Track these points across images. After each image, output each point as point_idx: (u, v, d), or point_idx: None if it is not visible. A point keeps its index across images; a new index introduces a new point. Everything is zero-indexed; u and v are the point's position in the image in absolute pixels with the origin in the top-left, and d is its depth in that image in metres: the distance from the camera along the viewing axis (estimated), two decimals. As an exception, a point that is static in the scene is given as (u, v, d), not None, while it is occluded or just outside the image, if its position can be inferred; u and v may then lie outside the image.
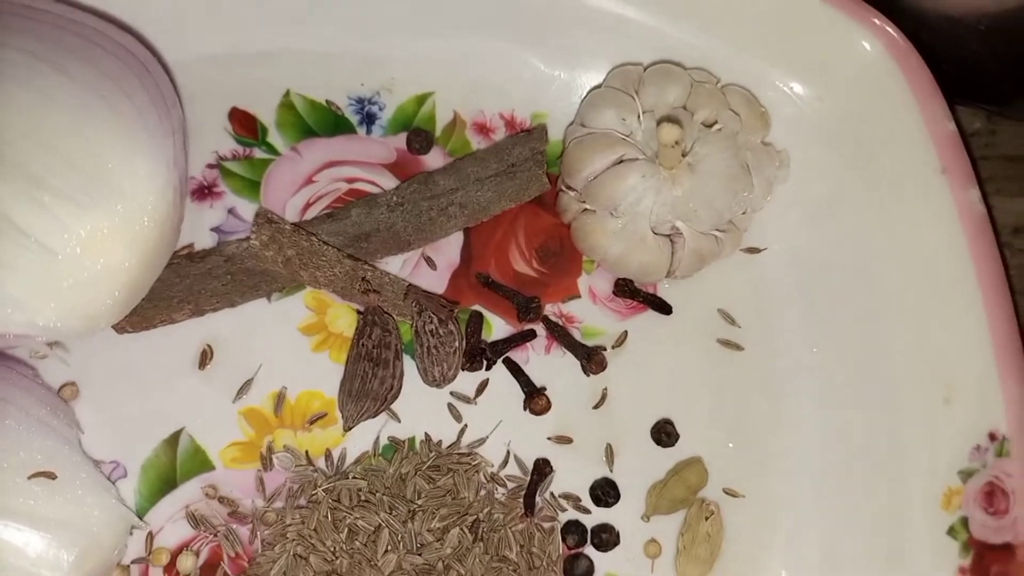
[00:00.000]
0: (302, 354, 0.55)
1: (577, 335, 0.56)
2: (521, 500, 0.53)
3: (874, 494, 0.53)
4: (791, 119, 0.57)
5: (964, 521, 0.51)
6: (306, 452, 0.54)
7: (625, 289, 0.57)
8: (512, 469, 0.54)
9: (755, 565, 0.54)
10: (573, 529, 0.53)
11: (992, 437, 0.51)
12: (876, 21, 0.54)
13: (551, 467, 0.54)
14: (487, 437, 0.54)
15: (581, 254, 0.57)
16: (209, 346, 0.54)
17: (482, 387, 0.55)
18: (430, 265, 0.57)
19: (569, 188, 0.56)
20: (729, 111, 0.55)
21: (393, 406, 0.54)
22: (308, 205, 0.57)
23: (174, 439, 0.53)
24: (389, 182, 0.57)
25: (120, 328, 0.53)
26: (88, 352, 0.54)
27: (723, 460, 0.55)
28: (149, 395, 0.54)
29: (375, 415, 0.53)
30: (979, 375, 0.51)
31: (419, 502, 0.52)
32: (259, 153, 0.57)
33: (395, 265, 0.56)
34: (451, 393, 0.55)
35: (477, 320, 0.56)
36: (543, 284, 0.57)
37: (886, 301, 0.55)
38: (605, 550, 0.53)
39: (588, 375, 0.56)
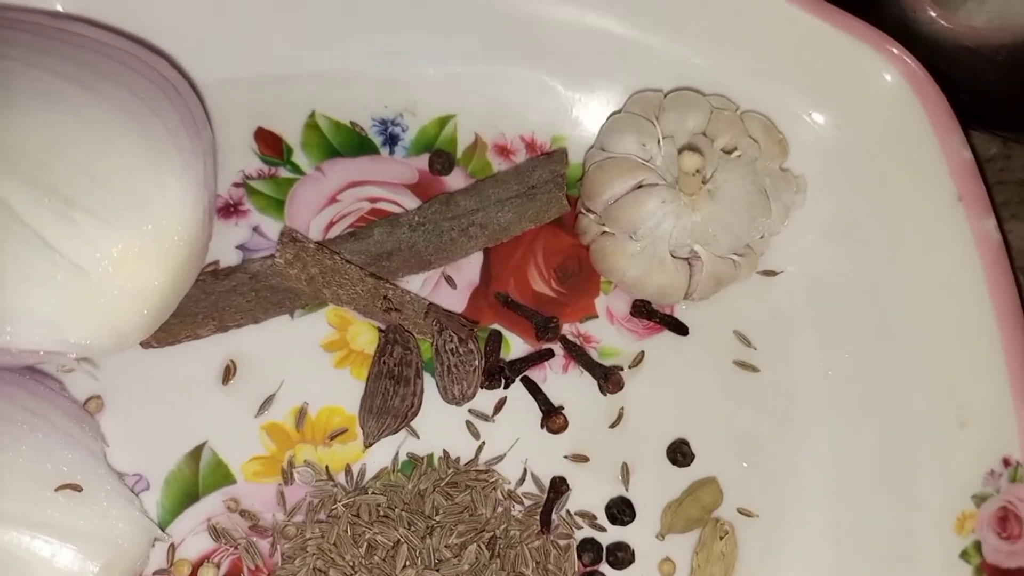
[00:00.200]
0: (324, 370, 0.55)
1: (594, 355, 0.57)
2: (538, 517, 0.53)
3: (888, 517, 0.54)
4: (809, 146, 0.58)
5: (977, 545, 0.51)
6: (326, 467, 0.54)
7: (643, 310, 0.57)
8: (529, 487, 0.55)
9: (768, 585, 0.54)
10: (589, 547, 0.54)
11: (1006, 463, 0.51)
12: (894, 51, 0.55)
13: (567, 485, 0.55)
14: (505, 454, 0.55)
15: (599, 275, 0.58)
16: (233, 361, 0.55)
17: (500, 405, 0.56)
18: (450, 284, 0.58)
19: (589, 211, 0.57)
20: (748, 138, 0.56)
21: (412, 423, 0.55)
22: (331, 224, 0.58)
23: (197, 453, 0.54)
24: (411, 202, 0.58)
25: (145, 343, 0.54)
26: (113, 366, 0.54)
27: (738, 480, 0.55)
28: (173, 409, 0.54)
29: (395, 432, 0.54)
30: (993, 400, 0.52)
31: (437, 518, 0.53)
32: (284, 172, 0.58)
33: (416, 284, 0.57)
34: (470, 411, 0.55)
35: (496, 339, 0.57)
36: (561, 304, 0.58)
37: (901, 326, 0.56)
38: (620, 568, 0.54)
39: (605, 394, 0.56)
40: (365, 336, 0.56)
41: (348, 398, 0.55)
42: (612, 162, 0.56)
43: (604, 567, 0.54)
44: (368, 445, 0.54)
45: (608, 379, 0.56)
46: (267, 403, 0.55)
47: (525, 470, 0.55)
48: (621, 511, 0.54)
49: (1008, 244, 0.55)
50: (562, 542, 0.54)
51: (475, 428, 0.55)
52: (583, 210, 0.57)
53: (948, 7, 0.56)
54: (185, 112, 0.52)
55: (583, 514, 0.55)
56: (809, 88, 0.57)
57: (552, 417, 0.55)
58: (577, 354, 0.57)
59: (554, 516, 0.54)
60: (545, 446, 0.55)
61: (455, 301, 0.57)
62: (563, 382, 0.57)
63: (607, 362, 0.57)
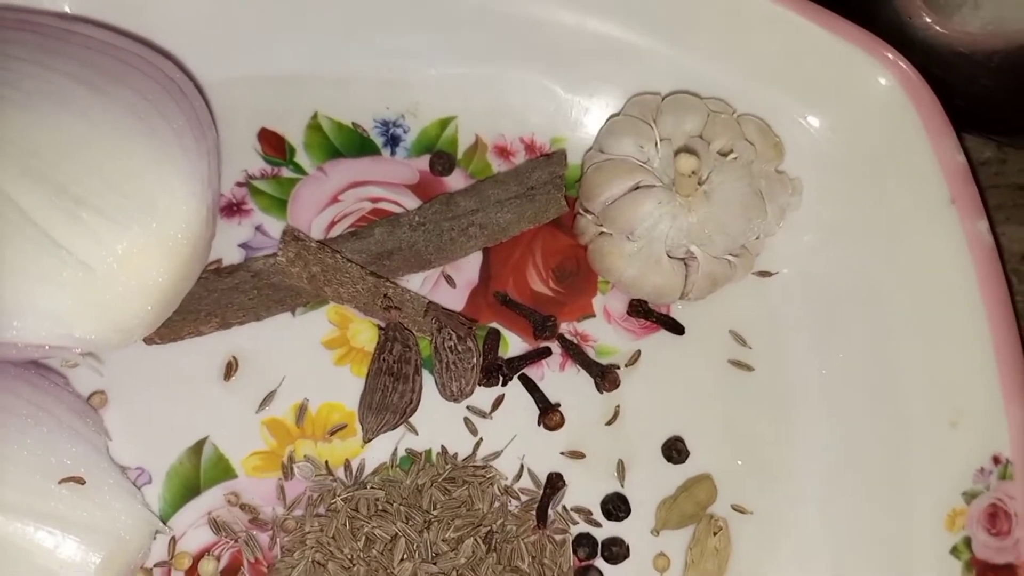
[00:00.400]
0: (324, 367, 0.56)
1: (592, 353, 0.58)
2: (534, 512, 0.54)
3: (880, 513, 0.54)
4: (804, 148, 0.59)
5: (967, 541, 0.52)
6: (326, 462, 0.55)
7: (639, 310, 0.58)
8: (526, 482, 0.55)
9: (762, 580, 0.55)
10: (584, 542, 0.54)
11: (996, 460, 0.52)
12: (889, 56, 0.56)
13: (564, 481, 0.55)
14: (502, 451, 0.56)
15: (597, 275, 0.59)
16: (234, 358, 0.56)
17: (498, 402, 0.57)
18: (450, 283, 0.58)
19: (587, 211, 0.58)
20: (744, 140, 0.57)
21: (411, 419, 0.55)
22: (333, 223, 0.59)
23: (198, 447, 0.55)
24: (412, 202, 0.59)
25: (149, 339, 0.54)
26: (117, 362, 0.55)
27: (732, 477, 0.56)
28: (175, 404, 0.55)
29: (394, 428, 0.55)
30: (985, 400, 0.52)
31: (435, 512, 0.53)
32: (287, 172, 0.59)
33: (416, 283, 0.58)
34: (468, 407, 0.56)
35: (494, 337, 0.57)
36: (559, 303, 0.59)
37: (895, 326, 0.56)
38: (615, 563, 0.54)
39: (601, 392, 0.57)
40: (365, 334, 0.57)
41: (348, 395, 0.56)
42: (610, 164, 0.57)
43: (599, 562, 0.55)
44: (367, 440, 0.55)
45: (605, 377, 0.57)
46: (268, 399, 0.55)
47: (522, 466, 0.56)
48: (616, 507, 0.55)
49: (1001, 247, 0.56)
50: (558, 537, 0.54)
51: (473, 425, 0.56)
52: (581, 211, 0.58)
53: (943, 13, 0.57)
54: (191, 113, 0.53)
55: (579, 509, 0.55)
56: (805, 92, 0.58)
57: (549, 414, 0.56)
58: (574, 353, 0.57)
59: (550, 511, 0.54)
60: (542, 443, 0.56)
61: (454, 300, 0.58)
62: (560, 380, 0.57)
63: (604, 361, 0.58)
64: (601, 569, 0.54)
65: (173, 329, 0.55)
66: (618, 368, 0.57)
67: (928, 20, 0.57)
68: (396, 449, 0.55)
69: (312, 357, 0.56)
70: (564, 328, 0.58)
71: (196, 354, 0.56)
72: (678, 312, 0.59)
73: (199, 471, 0.54)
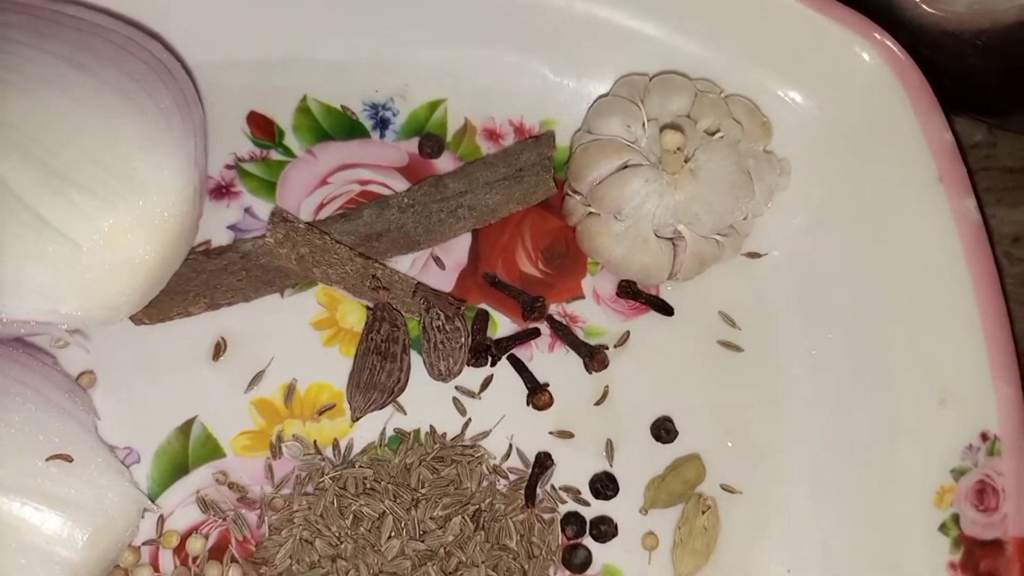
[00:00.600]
0: (313, 348, 0.56)
1: (581, 334, 0.58)
2: (522, 491, 0.54)
3: (868, 491, 0.54)
4: (792, 128, 0.58)
5: (955, 518, 0.52)
6: (314, 442, 0.55)
7: (628, 290, 0.58)
8: (514, 462, 0.55)
9: (750, 558, 0.55)
10: (572, 520, 0.55)
11: (984, 437, 0.52)
12: (876, 35, 0.56)
13: (552, 460, 0.55)
14: (491, 430, 0.56)
15: (586, 256, 0.59)
16: (223, 339, 0.56)
17: (487, 382, 0.57)
18: (439, 264, 0.58)
19: (575, 192, 0.58)
20: (732, 120, 0.57)
21: (400, 399, 0.55)
22: (322, 205, 0.59)
23: (187, 427, 0.55)
24: (401, 184, 0.59)
25: (137, 319, 0.55)
26: (106, 342, 0.55)
27: (721, 457, 0.56)
28: (164, 384, 0.55)
29: (382, 407, 0.55)
30: (973, 377, 0.52)
31: (423, 491, 0.53)
32: (275, 155, 0.59)
33: (405, 264, 0.58)
34: (456, 387, 0.56)
35: (483, 318, 0.57)
36: (548, 284, 0.59)
37: (883, 305, 0.56)
38: (603, 541, 0.54)
39: (590, 372, 0.57)
40: (354, 315, 0.57)
41: (337, 375, 0.56)
42: (598, 144, 0.57)
43: (588, 540, 0.55)
44: (355, 419, 0.55)
45: (593, 358, 0.57)
46: (256, 379, 0.56)
47: (510, 445, 0.56)
48: (605, 486, 0.55)
49: (992, 229, 0.56)
50: (546, 516, 0.54)
51: (462, 405, 0.56)
52: (570, 192, 0.58)
53: (930, -8, 0.57)
54: (177, 92, 0.53)
55: (567, 488, 0.55)
56: (793, 72, 0.58)
57: (538, 394, 0.56)
58: (563, 333, 0.57)
59: (539, 490, 0.54)
60: (530, 422, 0.56)
61: (443, 281, 0.58)
62: (549, 360, 0.57)
63: (593, 342, 0.58)
64: (589, 547, 0.54)
65: (161, 309, 0.55)
66: (607, 348, 0.57)
67: (916, 0, 0.57)
68: (384, 428, 0.56)
69: (301, 337, 0.57)
70: (553, 309, 0.58)
71: (185, 335, 0.56)
72: (667, 293, 0.59)
73: (187, 450, 0.55)
